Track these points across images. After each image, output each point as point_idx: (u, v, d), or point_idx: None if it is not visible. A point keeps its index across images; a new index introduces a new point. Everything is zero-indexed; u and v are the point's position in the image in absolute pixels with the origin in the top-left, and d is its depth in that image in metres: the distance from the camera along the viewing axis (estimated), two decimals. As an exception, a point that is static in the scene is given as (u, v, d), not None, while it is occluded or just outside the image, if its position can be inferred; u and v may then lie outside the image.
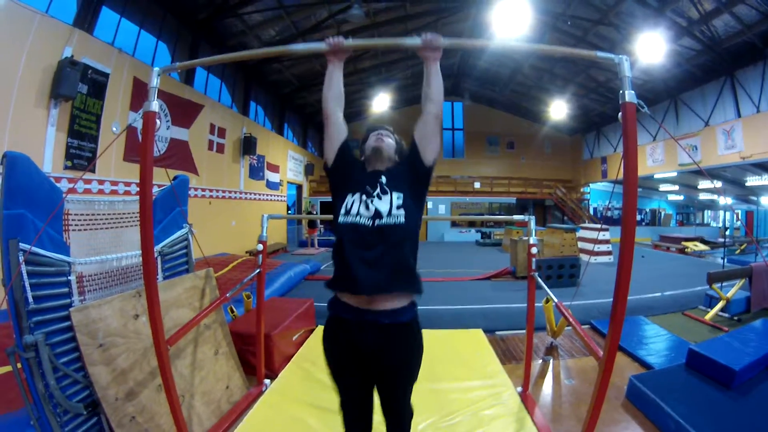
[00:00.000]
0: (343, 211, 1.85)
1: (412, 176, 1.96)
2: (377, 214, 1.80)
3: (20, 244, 2.23)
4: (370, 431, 1.99)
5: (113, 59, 7.86)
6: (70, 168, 6.90)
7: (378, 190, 1.87)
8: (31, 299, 2.26)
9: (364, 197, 1.85)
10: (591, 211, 23.76)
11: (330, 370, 1.95)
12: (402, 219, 1.81)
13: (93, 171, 7.26)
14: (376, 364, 1.85)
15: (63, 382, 2.37)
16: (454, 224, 22.60)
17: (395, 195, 1.86)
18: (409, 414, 2.04)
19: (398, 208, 1.83)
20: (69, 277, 2.56)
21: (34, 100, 6.35)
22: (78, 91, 6.90)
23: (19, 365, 2.26)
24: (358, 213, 1.82)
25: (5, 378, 3.06)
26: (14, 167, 2.29)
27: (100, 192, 7.58)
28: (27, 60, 6.17)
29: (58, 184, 6.22)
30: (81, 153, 7.15)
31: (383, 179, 1.91)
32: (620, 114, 1.77)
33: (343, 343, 1.87)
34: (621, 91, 1.75)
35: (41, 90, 6.45)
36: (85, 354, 2.43)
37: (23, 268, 2.23)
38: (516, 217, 4.06)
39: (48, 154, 6.56)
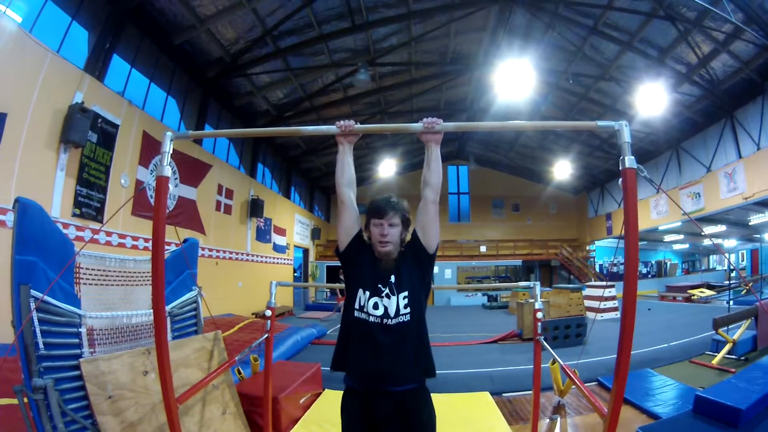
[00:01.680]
0: (357, 306, 1.99)
1: (418, 269, 2.07)
2: (386, 314, 1.95)
3: (31, 291, 2.32)
4: None
5: (123, 110, 7.97)
6: (78, 216, 6.92)
7: (387, 290, 1.99)
8: (41, 345, 2.33)
9: (375, 298, 1.98)
10: (597, 268, 23.66)
11: None
12: (408, 317, 1.96)
13: (101, 222, 7.26)
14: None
15: (71, 427, 2.39)
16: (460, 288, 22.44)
17: (401, 295, 1.98)
18: None
19: (405, 307, 1.97)
20: (79, 329, 2.63)
21: (44, 142, 6.36)
22: (88, 139, 6.93)
23: (25, 400, 2.30)
24: (368, 312, 1.96)
25: (10, 408, 3.02)
26: (26, 214, 2.40)
27: (108, 244, 7.57)
28: (37, 100, 6.18)
29: (65, 231, 6.43)
30: (89, 202, 7.16)
31: (392, 279, 2.02)
32: (620, 180, 1.83)
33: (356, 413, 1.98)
34: (621, 157, 1.81)
35: (51, 133, 6.46)
36: (94, 403, 2.47)
37: (34, 315, 2.31)
38: (521, 284, 4.16)
39: (57, 198, 6.55)
